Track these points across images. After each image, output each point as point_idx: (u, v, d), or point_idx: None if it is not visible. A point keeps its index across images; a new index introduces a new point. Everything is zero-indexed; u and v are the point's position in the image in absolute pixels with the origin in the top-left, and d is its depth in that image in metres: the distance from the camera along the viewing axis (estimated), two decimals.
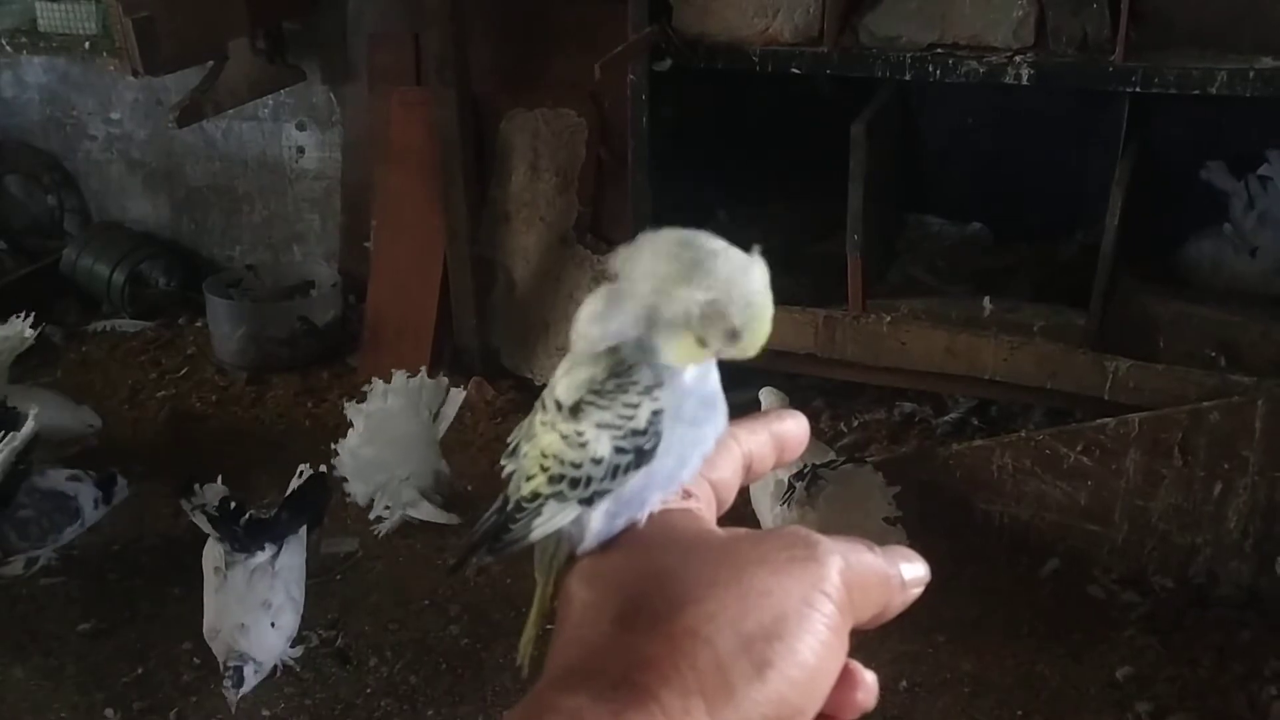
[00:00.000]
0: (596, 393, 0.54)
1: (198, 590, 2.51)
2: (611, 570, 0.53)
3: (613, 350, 0.55)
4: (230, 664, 2.36)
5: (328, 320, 3.94)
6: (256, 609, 2.40)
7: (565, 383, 0.56)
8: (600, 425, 0.54)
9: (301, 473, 2.61)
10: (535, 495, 0.57)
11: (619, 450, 0.54)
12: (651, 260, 0.53)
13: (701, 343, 0.53)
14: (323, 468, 2.65)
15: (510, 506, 0.58)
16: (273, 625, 2.42)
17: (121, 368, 3.92)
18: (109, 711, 2.51)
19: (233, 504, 2.49)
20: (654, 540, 0.54)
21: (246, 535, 2.45)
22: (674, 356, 0.54)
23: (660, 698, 0.45)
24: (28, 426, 2.75)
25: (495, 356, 3.81)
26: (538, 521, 0.57)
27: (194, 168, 4.34)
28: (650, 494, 0.55)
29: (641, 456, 0.54)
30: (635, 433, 0.54)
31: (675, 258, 0.53)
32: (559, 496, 0.56)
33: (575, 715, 0.45)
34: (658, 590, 0.50)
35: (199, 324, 4.11)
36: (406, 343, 3.71)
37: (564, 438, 0.55)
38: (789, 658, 0.47)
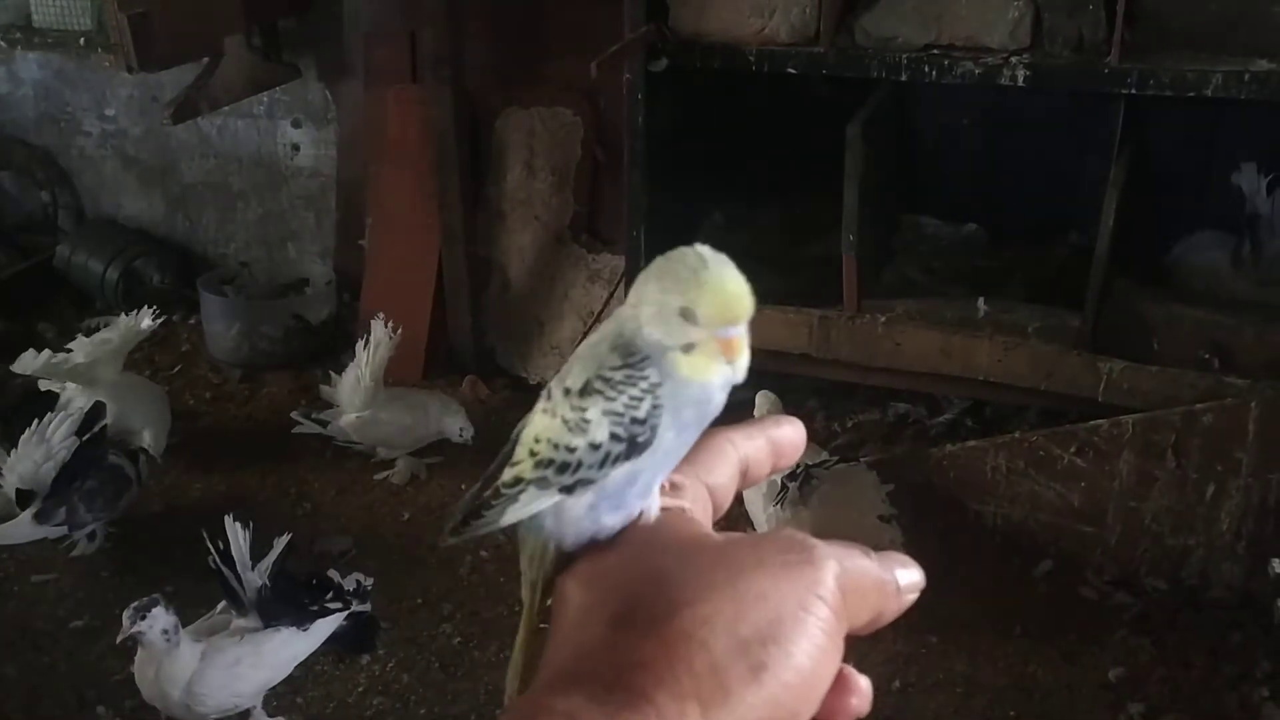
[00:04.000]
0: (606, 380, 0.55)
1: (191, 588, 2.51)
2: (607, 572, 0.53)
3: (625, 342, 0.55)
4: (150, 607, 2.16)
5: (322, 318, 3.94)
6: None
7: (578, 368, 0.56)
8: (605, 412, 0.54)
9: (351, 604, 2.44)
10: (517, 480, 0.57)
11: (615, 438, 0.54)
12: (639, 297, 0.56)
13: (687, 347, 0.54)
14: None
15: (488, 492, 0.58)
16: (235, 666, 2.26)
17: None
18: (101, 709, 2.50)
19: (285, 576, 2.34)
20: (650, 543, 0.54)
21: (274, 606, 2.31)
22: (685, 370, 0.55)
23: (655, 700, 0.45)
24: (79, 400, 2.85)
25: (490, 355, 3.81)
26: (513, 508, 0.57)
27: (189, 165, 4.32)
28: (630, 492, 0.55)
29: (633, 448, 0.54)
30: (635, 421, 0.54)
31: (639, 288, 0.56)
32: (541, 483, 0.56)
33: (570, 717, 0.45)
34: (653, 593, 0.50)
35: (193, 321, 4.11)
36: (401, 341, 3.70)
37: (564, 421, 0.55)
38: (784, 661, 0.47)
